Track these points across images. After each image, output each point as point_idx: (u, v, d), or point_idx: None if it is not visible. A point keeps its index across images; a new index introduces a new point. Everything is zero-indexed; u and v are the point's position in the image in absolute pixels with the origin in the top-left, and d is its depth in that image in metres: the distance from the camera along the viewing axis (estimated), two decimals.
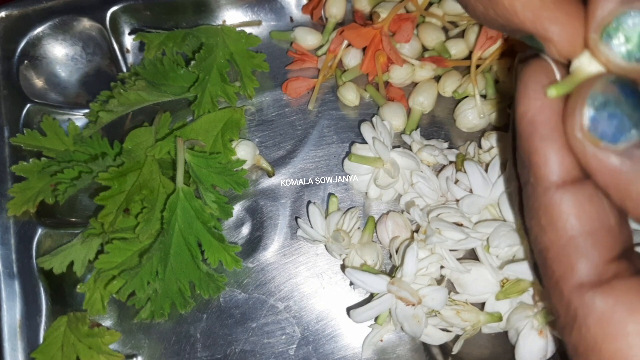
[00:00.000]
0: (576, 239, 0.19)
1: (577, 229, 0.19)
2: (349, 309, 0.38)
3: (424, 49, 0.42)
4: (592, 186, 0.19)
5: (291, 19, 0.45)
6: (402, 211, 0.38)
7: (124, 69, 0.44)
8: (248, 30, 0.44)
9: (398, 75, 0.41)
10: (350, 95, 0.41)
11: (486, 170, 0.35)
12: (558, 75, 0.20)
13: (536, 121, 0.19)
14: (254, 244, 0.40)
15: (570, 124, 0.19)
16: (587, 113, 0.18)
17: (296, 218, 0.40)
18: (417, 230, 0.37)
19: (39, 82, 0.44)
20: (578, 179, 0.19)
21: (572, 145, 0.19)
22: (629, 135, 0.18)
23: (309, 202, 0.40)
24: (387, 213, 0.38)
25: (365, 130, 0.38)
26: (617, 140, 0.18)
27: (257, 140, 0.42)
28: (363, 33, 0.40)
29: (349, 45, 0.41)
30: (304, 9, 0.45)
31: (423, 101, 0.41)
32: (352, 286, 0.38)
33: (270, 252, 0.40)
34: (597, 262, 0.19)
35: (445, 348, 0.36)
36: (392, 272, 0.36)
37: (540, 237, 0.20)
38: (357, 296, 0.38)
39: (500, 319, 0.34)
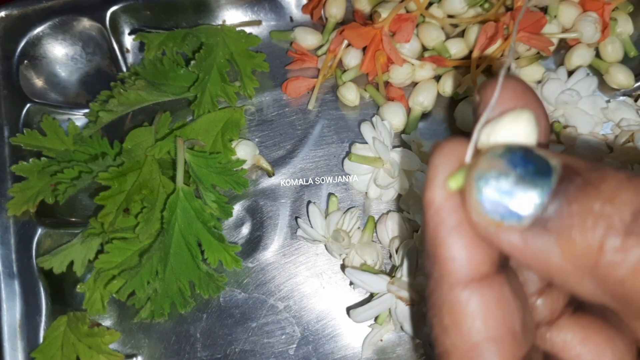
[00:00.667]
0: (481, 346, 0.18)
1: (483, 335, 0.18)
2: (349, 309, 0.38)
3: (424, 48, 0.42)
4: (500, 284, 0.18)
5: (291, 19, 0.45)
6: (402, 211, 0.38)
7: (124, 69, 0.44)
8: (248, 30, 0.44)
9: (398, 75, 0.41)
10: (350, 95, 0.41)
11: None
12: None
13: (443, 211, 0.17)
14: (254, 244, 0.40)
15: (469, 211, 0.17)
16: (478, 196, 0.16)
17: (296, 218, 0.40)
18: (417, 230, 0.37)
19: (38, 82, 0.44)
20: (487, 275, 0.18)
21: (479, 231, 0.17)
22: (532, 207, 0.16)
23: (309, 202, 0.40)
24: (387, 213, 0.38)
25: (365, 130, 0.38)
26: (520, 217, 0.16)
27: (257, 140, 0.42)
28: (363, 33, 0.40)
29: (349, 45, 0.41)
30: (304, 8, 0.45)
31: (423, 101, 0.41)
32: (352, 286, 0.38)
33: (270, 252, 0.40)
34: None
35: None
36: (392, 272, 0.36)
37: (442, 338, 0.18)
38: (357, 296, 0.38)
39: None
